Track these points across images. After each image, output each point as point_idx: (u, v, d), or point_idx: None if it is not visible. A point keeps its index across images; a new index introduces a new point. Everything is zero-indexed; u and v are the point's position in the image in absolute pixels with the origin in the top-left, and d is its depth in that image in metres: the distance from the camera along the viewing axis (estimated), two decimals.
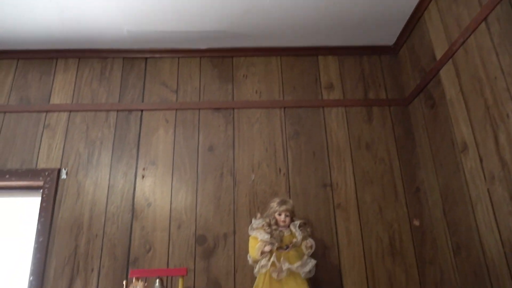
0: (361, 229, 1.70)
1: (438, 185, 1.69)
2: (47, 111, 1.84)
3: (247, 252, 1.52)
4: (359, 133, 1.86)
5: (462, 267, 1.52)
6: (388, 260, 1.65)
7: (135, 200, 1.71)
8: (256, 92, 1.92)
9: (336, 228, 1.69)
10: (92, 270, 1.59)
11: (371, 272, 1.63)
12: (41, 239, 1.61)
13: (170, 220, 1.68)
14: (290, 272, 1.39)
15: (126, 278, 1.53)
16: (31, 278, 1.56)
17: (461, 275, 1.53)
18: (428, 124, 1.76)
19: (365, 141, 1.85)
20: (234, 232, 1.67)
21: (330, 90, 1.94)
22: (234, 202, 1.72)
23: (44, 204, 1.67)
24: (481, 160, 1.40)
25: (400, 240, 1.69)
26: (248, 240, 1.50)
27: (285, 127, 1.85)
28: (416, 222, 1.72)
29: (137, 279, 1.26)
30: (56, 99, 1.87)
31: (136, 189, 1.72)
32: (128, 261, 1.60)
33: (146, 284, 1.15)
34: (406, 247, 1.68)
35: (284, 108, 1.89)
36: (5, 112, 1.83)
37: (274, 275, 1.39)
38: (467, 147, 1.48)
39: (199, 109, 1.87)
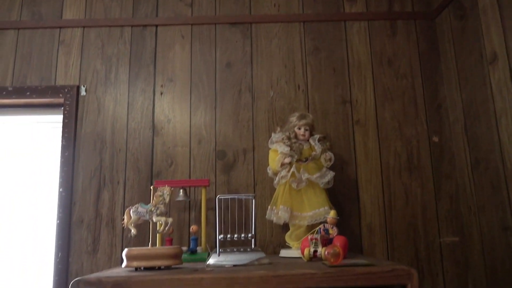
0: (379, 145, 1.70)
1: (461, 101, 1.65)
2: (60, 27, 1.80)
3: (266, 166, 1.56)
4: (382, 48, 1.79)
5: (479, 180, 1.55)
6: (405, 175, 1.68)
7: (155, 116, 1.72)
8: (275, 5, 1.83)
9: (354, 144, 1.71)
10: (118, 182, 1.66)
11: (387, 186, 1.67)
12: (66, 153, 1.67)
13: (190, 136, 1.70)
14: (309, 183, 1.43)
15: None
16: (60, 190, 1.64)
17: (477, 187, 1.55)
18: (455, 37, 1.68)
19: (387, 56, 1.79)
20: (253, 148, 1.69)
21: (352, 3, 1.84)
22: (253, 118, 1.72)
23: (66, 121, 1.70)
24: (510, 70, 1.35)
25: (418, 155, 1.70)
26: (267, 155, 1.53)
27: (305, 42, 1.79)
28: (435, 139, 1.72)
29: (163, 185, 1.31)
30: (68, 14, 1.81)
31: (155, 105, 1.73)
32: (151, 174, 1.66)
33: (172, 189, 1.20)
34: (423, 162, 1.69)
35: (304, 22, 1.81)
36: (18, 29, 1.80)
37: (294, 185, 1.43)
38: (496, 58, 1.42)
39: (215, 23, 1.81)
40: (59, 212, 1.62)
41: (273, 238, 1.60)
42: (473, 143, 1.57)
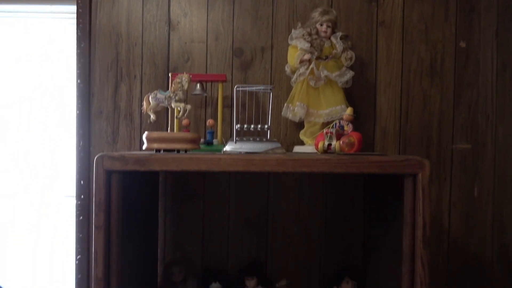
0: (402, 48, 1.64)
1: (496, 5, 1.54)
2: None
3: (283, 66, 1.53)
4: None
5: (502, 87, 1.51)
6: (426, 80, 1.64)
7: (171, 9, 1.66)
8: None
9: (376, 46, 1.64)
10: (135, 77, 1.66)
11: (406, 91, 1.64)
12: (82, 45, 1.65)
13: (207, 32, 1.65)
14: (328, 81, 1.41)
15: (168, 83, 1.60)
16: (78, 81, 1.65)
17: (500, 95, 1.52)
18: None
19: None
20: (272, 46, 1.65)
21: None
22: (272, 15, 1.65)
23: (80, 10, 1.65)
24: None
25: (442, 61, 1.64)
26: (285, 54, 1.49)
27: None
28: (463, 44, 1.64)
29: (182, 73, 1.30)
30: None
31: None
32: (168, 68, 1.65)
33: (191, 76, 1.20)
34: (446, 69, 1.64)
35: None
36: None
37: (312, 83, 1.41)
38: None
39: None
40: (78, 103, 1.65)
41: (287, 138, 1.63)
42: (502, 49, 1.50)
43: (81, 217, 1.64)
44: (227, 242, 1.63)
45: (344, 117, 1.31)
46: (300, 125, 1.54)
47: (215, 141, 1.45)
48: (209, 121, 1.47)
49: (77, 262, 1.64)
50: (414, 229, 1.04)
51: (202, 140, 1.41)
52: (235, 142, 1.20)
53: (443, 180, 1.63)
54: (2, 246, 1.85)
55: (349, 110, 1.31)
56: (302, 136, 1.49)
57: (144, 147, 1.15)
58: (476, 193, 1.63)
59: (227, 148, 1.19)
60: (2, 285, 1.59)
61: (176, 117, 1.27)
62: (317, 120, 1.43)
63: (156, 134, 1.14)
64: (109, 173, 1.04)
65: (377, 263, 1.38)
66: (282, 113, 1.48)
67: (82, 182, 1.63)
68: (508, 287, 1.61)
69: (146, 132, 1.14)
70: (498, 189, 1.63)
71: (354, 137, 1.14)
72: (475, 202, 1.63)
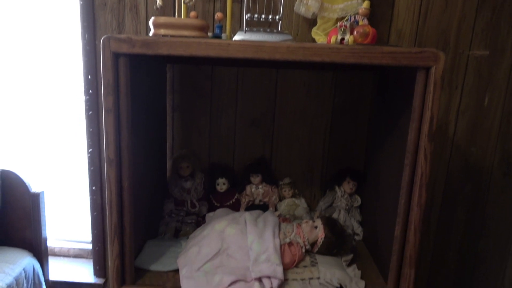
0: None
1: None
2: None
3: None
4: None
5: None
6: None
7: None
8: None
9: None
10: None
11: None
12: None
13: None
14: None
15: None
16: None
17: None
18: None
19: None
20: None
21: None
22: None
23: None
24: None
25: None
26: None
27: None
28: None
29: None
30: None
31: None
32: None
33: None
34: None
35: None
36: None
37: None
38: None
39: None
40: None
41: (298, 37, 1.57)
42: None
43: (91, 112, 1.66)
44: (233, 140, 1.67)
45: (360, 11, 1.25)
46: (313, 23, 1.47)
47: (223, 36, 1.40)
48: (218, 15, 1.40)
49: (89, 155, 1.70)
50: (421, 124, 1.05)
51: (210, 34, 1.36)
52: (245, 32, 1.16)
53: (454, 88, 1.60)
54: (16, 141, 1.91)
55: (365, 4, 1.24)
56: (314, 33, 1.43)
57: (151, 33, 1.12)
58: (486, 102, 1.61)
59: (236, 37, 1.16)
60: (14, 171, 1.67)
61: (184, 2, 1.21)
62: (331, 16, 1.36)
63: (163, 19, 1.10)
64: (116, 56, 1.02)
65: (378, 164, 1.41)
66: (295, 8, 1.41)
67: (89, 76, 1.63)
68: (505, 188, 1.66)
69: (152, 17, 1.09)
70: (509, 98, 1.61)
71: (370, 28, 1.10)
72: (483, 111, 1.62)
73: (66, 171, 1.97)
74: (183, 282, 1.16)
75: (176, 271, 1.23)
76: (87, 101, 1.65)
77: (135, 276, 1.19)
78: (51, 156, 1.95)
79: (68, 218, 1.99)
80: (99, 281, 1.80)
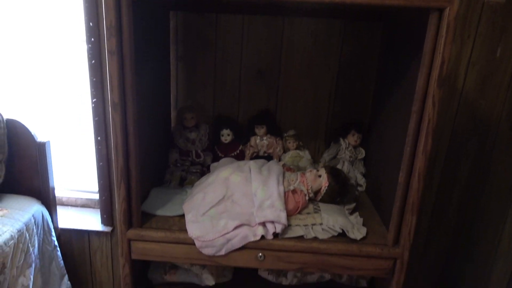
0: None
1: None
2: None
3: None
4: None
5: None
6: None
7: None
8: None
9: None
10: None
11: None
12: None
13: None
14: None
15: None
16: None
17: None
18: None
19: None
20: None
21: None
22: None
23: None
24: None
25: None
26: None
27: None
28: None
29: None
30: None
31: None
32: None
33: None
34: None
35: None
36: None
37: None
38: None
39: None
40: None
41: None
42: None
43: (93, 61, 1.63)
44: (238, 92, 1.65)
45: None
46: None
47: None
48: None
49: (93, 105, 1.70)
50: (431, 70, 1.02)
51: None
52: None
53: (466, 38, 1.55)
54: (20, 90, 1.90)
55: None
56: None
57: None
58: (498, 54, 1.56)
59: None
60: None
61: None
62: None
63: None
64: None
65: (385, 116, 1.40)
66: None
67: (91, 24, 1.59)
68: (511, 143, 1.65)
69: None
70: None
71: None
72: (495, 63, 1.57)
73: (72, 122, 1.97)
74: (189, 226, 1.19)
75: (182, 216, 1.25)
76: (89, 50, 1.62)
77: (142, 220, 1.22)
78: (56, 108, 1.94)
79: (75, 169, 2.01)
80: (107, 229, 1.85)
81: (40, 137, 1.69)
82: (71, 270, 1.91)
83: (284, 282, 1.41)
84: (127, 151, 1.12)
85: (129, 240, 1.20)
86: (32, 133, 1.68)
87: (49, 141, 1.70)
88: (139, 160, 1.14)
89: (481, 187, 1.72)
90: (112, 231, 1.86)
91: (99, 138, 1.73)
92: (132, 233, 1.19)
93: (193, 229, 1.17)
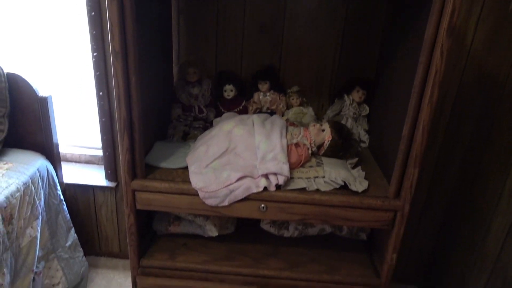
0: None
1: None
2: None
3: None
4: None
5: None
6: None
7: None
8: None
9: None
10: None
11: None
12: None
13: None
14: None
15: None
16: None
17: None
18: None
19: None
20: None
21: None
22: None
23: None
24: None
25: None
26: None
27: None
28: None
29: None
30: None
31: None
32: None
33: None
34: None
35: None
36: None
37: None
38: None
39: None
40: None
41: None
42: None
43: (93, 13, 1.59)
44: (241, 47, 1.62)
45: None
46: None
47: None
48: None
49: (94, 60, 1.67)
50: (441, 17, 0.99)
51: None
52: None
53: None
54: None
55: None
56: None
57: None
58: (511, 7, 1.51)
59: None
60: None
61: None
62: None
63: None
64: None
65: (390, 72, 1.37)
66: None
67: None
68: None
69: None
70: None
71: None
72: (506, 18, 1.53)
73: (73, 78, 1.95)
74: (192, 177, 1.20)
75: (185, 168, 1.26)
76: (88, 1, 1.58)
77: (146, 172, 1.23)
78: (58, 64, 1.92)
79: (79, 126, 2.01)
80: (111, 184, 1.88)
81: (41, 92, 1.68)
82: (78, 224, 1.96)
83: (286, 234, 1.44)
84: (129, 101, 1.11)
85: (134, 191, 1.21)
86: (34, 88, 1.66)
87: (50, 96, 1.68)
88: (141, 110, 1.13)
89: (484, 147, 1.72)
90: (116, 186, 1.89)
91: (100, 93, 1.71)
92: (136, 183, 1.20)
93: (197, 180, 1.18)
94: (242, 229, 1.51)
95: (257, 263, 1.37)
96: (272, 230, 1.45)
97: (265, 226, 1.45)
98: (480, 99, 1.65)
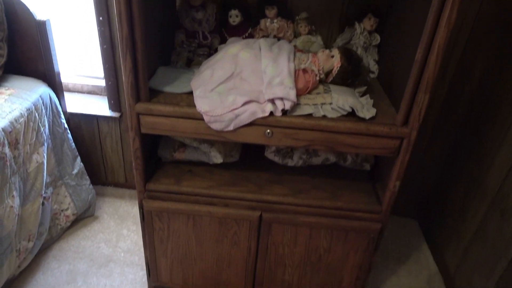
0: None
1: None
2: None
3: None
4: None
5: None
6: None
7: None
8: None
9: None
10: None
11: None
12: None
13: None
14: None
15: None
16: None
17: None
18: None
19: None
20: None
21: None
22: None
23: None
24: None
25: None
26: None
27: None
28: None
29: None
30: None
31: None
32: None
33: None
34: None
35: None
36: None
37: None
38: None
39: None
40: None
41: None
42: None
43: None
44: None
45: None
46: None
47: None
48: None
49: None
50: None
51: None
52: None
53: None
54: None
55: None
56: None
57: None
58: None
59: None
60: None
61: None
62: None
63: None
64: None
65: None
66: None
67: None
68: None
69: None
70: None
71: None
72: None
73: (71, 2, 1.86)
74: (198, 101, 1.18)
75: (190, 93, 1.24)
76: None
77: (150, 96, 1.21)
78: None
79: (80, 54, 1.96)
80: (115, 114, 1.87)
81: (39, 15, 1.61)
82: (83, 154, 1.98)
83: (290, 163, 1.45)
84: (131, 19, 1.06)
85: (138, 114, 1.20)
86: (31, 11, 1.60)
87: (49, 20, 1.62)
88: (143, 30, 1.08)
89: (496, 81, 1.67)
90: (120, 117, 1.88)
91: (101, 18, 1.64)
92: (140, 106, 1.18)
93: (202, 104, 1.16)
94: (246, 158, 1.52)
95: (261, 189, 1.39)
96: (276, 159, 1.46)
97: (269, 155, 1.46)
98: (497, 34, 1.58)
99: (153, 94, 1.23)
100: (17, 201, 1.49)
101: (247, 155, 1.53)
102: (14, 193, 1.48)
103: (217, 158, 1.40)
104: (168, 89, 1.25)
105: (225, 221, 1.38)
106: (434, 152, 1.90)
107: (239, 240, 1.42)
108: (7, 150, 1.41)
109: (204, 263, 1.50)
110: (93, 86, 1.96)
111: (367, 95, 1.28)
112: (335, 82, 1.28)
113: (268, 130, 1.18)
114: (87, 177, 1.91)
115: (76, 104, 1.90)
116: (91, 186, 1.93)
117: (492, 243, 1.52)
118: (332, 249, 1.43)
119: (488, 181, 1.59)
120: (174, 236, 1.44)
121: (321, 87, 1.26)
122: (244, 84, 1.21)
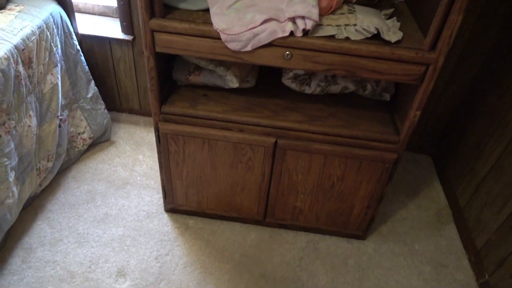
0: None
1: None
2: None
3: None
4: None
5: None
6: None
7: None
8: None
9: None
10: None
11: None
12: None
13: None
14: None
15: None
16: None
17: None
18: None
19: None
20: None
21: None
22: None
23: None
24: None
25: None
26: None
27: None
28: None
29: None
30: None
31: None
32: None
33: None
34: None
35: None
36: None
37: None
38: None
39: None
40: None
41: None
42: None
43: None
44: None
45: None
46: None
47: None
48: None
49: None
50: None
51: None
52: None
53: None
54: None
55: None
56: None
57: None
58: None
59: None
60: None
61: None
62: None
63: None
64: None
65: None
66: None
67: None
68: None
69: None
70: None
71: None
72: None
73: None
74: (214, 18, 1.12)
75: (206, 10, 1.18)
76: None
77: (164, 12, 1.15)
78: None
79: None
80: (128, 37, 1.81)
81: None
82: (97, 79, 1.96)
83: (307, 91, 1.41)
84: None
85: (152, 31, 1.15)
86: None
87: None
88: None
89: None
90: (133, 40, 1.83)
91: None
92: (154, 23, 1.13)
93: (219, 22, 1.11)
94: (262, 84, 1.48)
95: (277, 115, 1.37)
96: (293, 86, 1.42)
97: (286, 81, 1.41)
98: None
99: (168, 11, 1.17)
100: (34, 121, 1.51)
101: (263, 81, 1.49)
102: (31, 112, 1.49)
103: (233, 82, 1.36)
104: (183, 5, 1.19)
105: (240, 146, 1.39)
106: (455, 84, 1.83)
107: (253, 165, 1.44)
108: (21, 68, 1.40)
109: (218, 186, 1.53)
110: (104, 6, 1.88)
111: (394, 18, 1.20)
112: (360, 2, 1.20)
113: (287, 52, 1.13)
114: (102, 101, 1.90)
115: (87, 25, 1.84)
116: (106, 110, 1.93)
117: (507, 180, 1.50)
118: (345, 177, 1.43)
119: (510, 117, 1.54)
120: (189, 160, 1.46)
121: (345, 7, 1.18)
122: (263, 1, 1.14)
